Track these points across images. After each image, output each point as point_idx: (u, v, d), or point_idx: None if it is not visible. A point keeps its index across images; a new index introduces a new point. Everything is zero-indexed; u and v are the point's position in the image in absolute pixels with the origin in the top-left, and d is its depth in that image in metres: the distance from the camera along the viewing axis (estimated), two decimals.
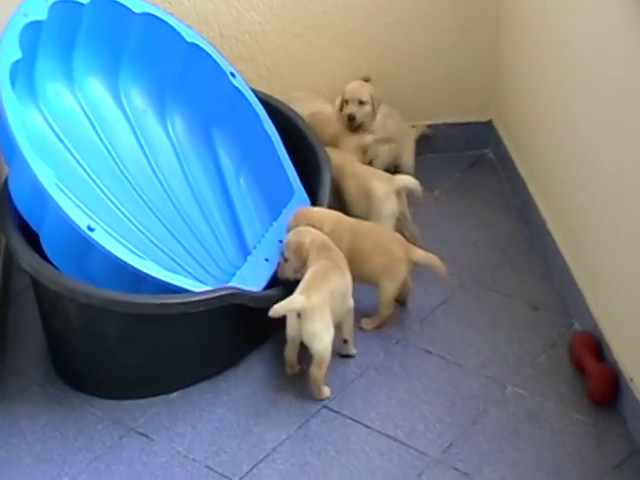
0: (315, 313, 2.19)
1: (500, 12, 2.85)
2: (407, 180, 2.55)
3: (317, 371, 2.22)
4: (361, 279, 2.38)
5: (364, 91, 2.67)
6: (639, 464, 2.10)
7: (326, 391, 2.25)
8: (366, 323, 2.44)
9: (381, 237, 2.41)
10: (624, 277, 2.20)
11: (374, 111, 2.68)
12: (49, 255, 2.28)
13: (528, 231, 2.71)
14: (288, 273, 2.32)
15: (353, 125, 2.66)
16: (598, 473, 2.09)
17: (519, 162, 2.83)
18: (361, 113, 2.66)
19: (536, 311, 2.47)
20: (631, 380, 2.17)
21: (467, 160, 2.83)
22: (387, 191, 2.51)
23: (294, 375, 2.30)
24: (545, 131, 2.64)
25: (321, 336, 2.20)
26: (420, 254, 2.40)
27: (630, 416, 2.17)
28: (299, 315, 2.20)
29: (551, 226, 2.62)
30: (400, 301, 2.48)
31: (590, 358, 2.27)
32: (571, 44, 2.42)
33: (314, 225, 2.37)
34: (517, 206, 2.79)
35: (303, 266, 2.29)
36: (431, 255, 2.41)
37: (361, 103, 2.66)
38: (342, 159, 2.59)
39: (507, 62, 2.87)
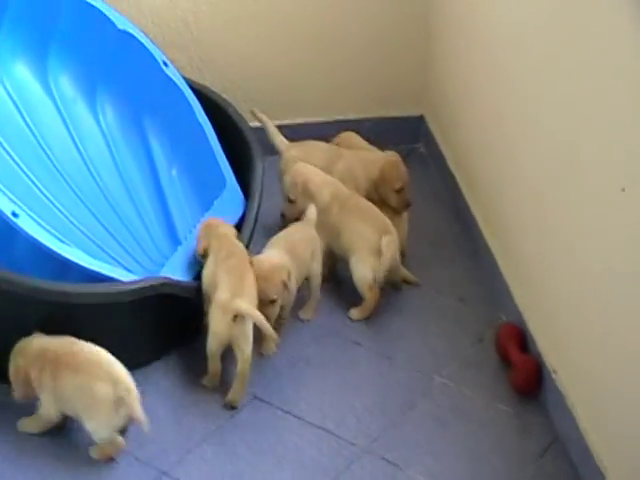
0: None
1: (431, 7, 2.88)
2: None
3: None
4: None
5: None
6: (560, 454, 2.14)
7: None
8: (355, 314, 2.43)
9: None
10: (548, 271, 2.24)
11: None
12: None
13: (457, 225, 2.75)
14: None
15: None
16: (521, 462, 2.14)
17: (449, 157, 2.86)
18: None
19: (464, 303, 2.51)
20: (554, 372, 2.22)
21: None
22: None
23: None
24: (473, 127, 2.67)
25: None
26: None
27: (552, 407, 2.22)
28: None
29: (479, 220, 2.66)
30: (395, 286, 2.50)
31: (515, 349, 2.31)
32: (500, 41, 2.45)
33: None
34: (447, 200, 2.83)
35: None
36: None
37: None
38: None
39: (439, 57, 2.90)
